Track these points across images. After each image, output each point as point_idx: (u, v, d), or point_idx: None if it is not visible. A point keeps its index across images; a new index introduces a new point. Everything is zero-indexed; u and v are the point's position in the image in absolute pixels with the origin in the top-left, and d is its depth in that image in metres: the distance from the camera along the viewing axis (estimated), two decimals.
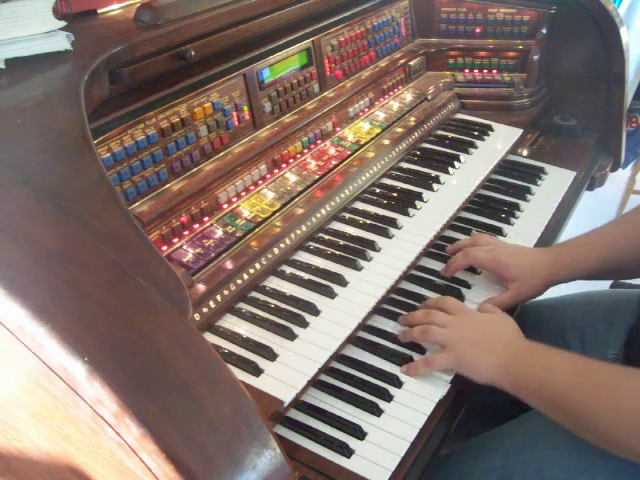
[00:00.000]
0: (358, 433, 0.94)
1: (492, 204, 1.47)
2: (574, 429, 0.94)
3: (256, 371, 0.97)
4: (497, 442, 1.09)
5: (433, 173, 1.47)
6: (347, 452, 0.91)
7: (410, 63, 1.74)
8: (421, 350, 1.08)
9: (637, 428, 0.85)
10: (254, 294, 1.12)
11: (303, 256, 1.21)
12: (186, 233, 1.13)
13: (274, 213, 1.22)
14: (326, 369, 1.04)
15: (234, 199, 1.22)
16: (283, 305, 1.09)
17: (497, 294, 1.20)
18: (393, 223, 1.29)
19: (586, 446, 0.93)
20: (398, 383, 1.02)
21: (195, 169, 1.20)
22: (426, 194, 1.39)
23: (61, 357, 0.59)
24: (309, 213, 1.24)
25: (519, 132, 1.66)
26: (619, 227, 1.22)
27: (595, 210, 2.86)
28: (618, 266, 1.19)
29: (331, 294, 1.12)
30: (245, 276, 1.10)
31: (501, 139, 1.64)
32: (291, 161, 1.35)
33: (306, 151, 1.39)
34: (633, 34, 3.09)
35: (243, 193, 1.24)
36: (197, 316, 1.01)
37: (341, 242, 1.24)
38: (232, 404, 0.64)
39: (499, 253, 1.20)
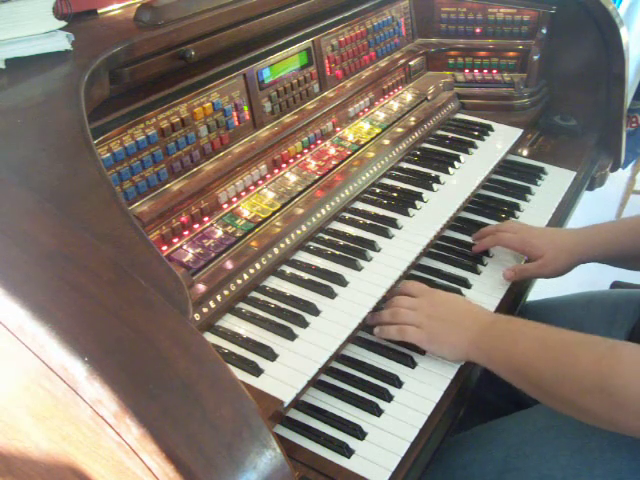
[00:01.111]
0: (358, 433, 0.94)
1: (492, 204, 1.47)
2: (542, 399, 0.95)
3: (256, 371, 0.97)
4: (498, 435, 1.10)
5: (433, 173, 1.47)
6: (347, 452, 0.91)
7: (410, 63, 1.74)
8: (421, 350, 1.08)
9: (598, 393, 0.85)
10: (254, 294, 1.12)
11: (303, 256, 1.21)
12: (186, 233, 1.13)
13: (274, 213, 1.22)
14: (326, 369, 1.04)
15: (234, 199, 1.22)
16: (283, 305, 1.09)
17: (499, 293, 1.21)
18: (393, 223, 1.29)
19: (587, 446, 0.93)
20: (398, 383, 1.02)
21: (195, 169, 1.20)
22: (426, 194, 1.39)
23: (61, 357, 0.59)
24: (309, 213, 1.24)
25: (519, 132, 1.66)
26: None
27: (595, 210, 2.86)
28: (637, 255, 1.22)
29: (331, 294, 1.12)
30: (245, 276, 1.10)
31: (501, 139, 1.64)
32: (291, 161, 1.35)
33: (306, 151, 1.39)
34: (633, 34, 3.09)
35: (243, 193, 1.24)
36: (197, 316, 1.01)
37: (341, 242, 1.24)
38: (232, 404, 0.63)
39: (526, 234, 1.26)
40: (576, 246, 1.23)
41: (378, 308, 1.15)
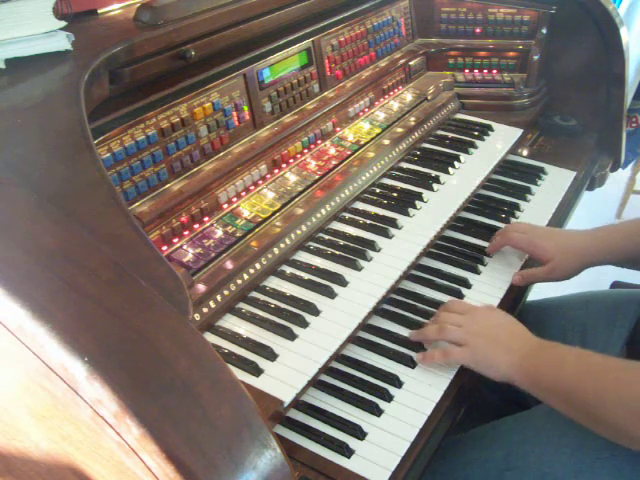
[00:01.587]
0: (358, 433, 0.94)
1: (492, 204, 1.47)
2: (589, 425, 0.94)
3: (256, 371, 0.97)
4: (499, 434, 1.10)
5: (433, 173, 1.47)
6: (347, 452, 0.91)
7: (410, 63, 1.74)
8: (422, 350, 1.08)
9: None
10: (254, 294, 1.12)
11: (303, 256, 1.21)
12: (186, 233, 1.13)
13: (274, 213, 1.22)
14: (326, 369, 1.04)
15: (234, 199, 1.22)
16: (283, 305, 1.09)
17: (499, 292, 1.21)
18: (393, 223, 1.29)
19: (588, 445, 0.93)
20: (398, 383, 1.02)
21: (195, 169, 1.20)
22: (426, 194, 1.39)
23: (61, 357, 0.59)
24: (309, 213, 1.24)
25: (519, 132, 1.66)
26: None
27: (595, 210, 2.86)
28: None
29: (331, 294, 1.12)
30: (245, 276, 1.10)
31: (501, 139, 1.64)
32: (291, 161, 1.35)
33: (306, 151, 1.39)
34: (633, 34, 3.09)
35: (243, 193, 1.24)
36: (197, 316, 1.01)
37: (341, 242, 1.24)
38: (232, 404, 0.63)
39: (534, 235, 1.25)
40: (585, 249, 1.21)
41: (378, 308, 1.15)
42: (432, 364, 1.05)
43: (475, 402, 1.12)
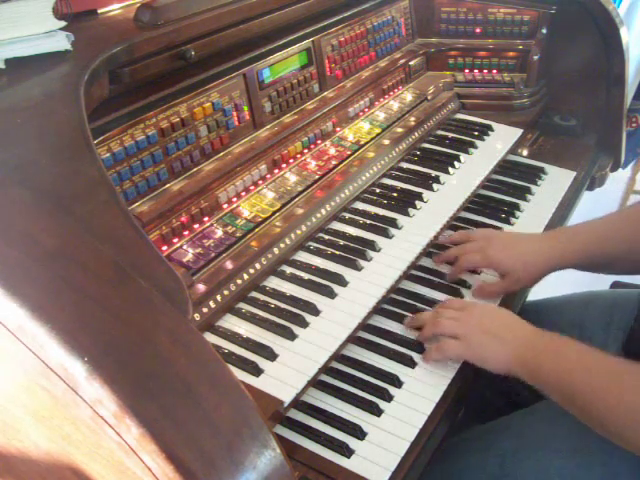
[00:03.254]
0: (358, 433, 0.94)
1: (492, 204, 1.47)
2: (584, 420, 0.93)
3: (256, 371, 0.97)
4: (494, 439, 1.09)
5: (433, 173, 1.47)
6: (347, 452, 0.91)
7: (410, 63, 1.74)
8: (422, 350, 1.08)
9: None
10: (254, 294, 1.12)
11: (303, 256, 1.21)
12: (186, 233, 1.13)
13: (274, 213, 1.22)
14: (326, 369, 1.04)
15: (234, 199, 1.22)
16: (283, 305, 1.09)
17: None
18: (393, 223, 1.29)
19: (584, 449, 0.93)
20: (398, 383, 1.02)
21: (195, 169, 1.20)
22: (426, 194, 1.39)
23: (61, 357, 0.59)
24: (309, 213, 1.24)
25: (519, 132, 1.66)
26: (622, 219, 1.22)
27: (595, 210, 2.86)
28: (615, 259, 1.19)
29: (331, 294, 1.12)
30: (245, 276, 1.10)
31: (501, 139, 1.64)
32: (291, 161, 1.35)
33: (306, 151, 1.39)
34: (633, 34, 3.08)
35: (243, 193, 1.24)
36: (197, 316, 1.01)
37: (341, 242, 1.24)
38: (232, 404, 0.63)
39: (489, 250, 1.19)
40: (547, 257, 1.17)
41: (378, 308, 1.15)
42: (433, 364, 1.05)
43: (475, 402, 1.12)
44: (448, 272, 1.24)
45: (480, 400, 1.29)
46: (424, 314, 1.11)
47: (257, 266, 1.12)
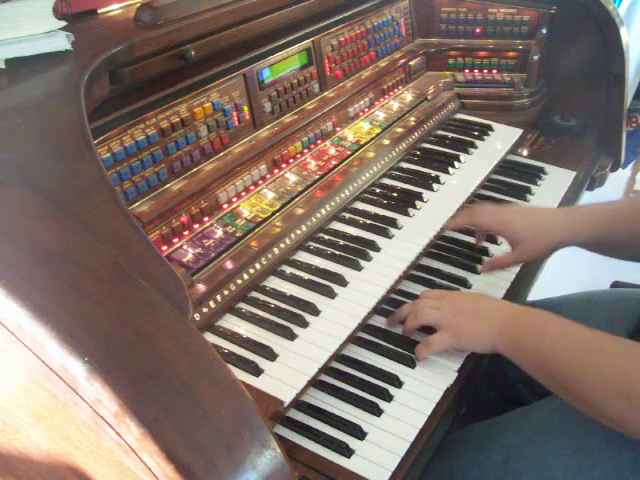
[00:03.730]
0: (358, 433, 0.94)
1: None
2: (565, 396, 0.94)
3: (256, 371, 0.97)
4: (497, 436, 1.09)
5: (433, 173, 1.47)
6: (347, 452, 0.91)
7: (410, 63, 1.74)
8: None
9: (619, 397, 0.85)
10: (254, 294, 1.12)
11: (303, 256, 1.21)
12: (186, 233, 1.13)
13: (274, 213, 1.22)
14: (326, 369, 1.04)
15: (234, 199, 1.22)
16: (283, 305, 1.09)
17: (499, 290, 1.20)
18: (393, 223, 1.29)
19: (587, 446, 0.93)
20: (398, 383, 1.02)
21: (195, 169, 1.20)
22: (426, 194, 1.39)
23: (61, 357, 0.59)
24: (309, 213, 1.24)
25: (519, 132, 1.66)
26: (633, 204, 1.22)
27: None
28: (621, 243, 1.18)
29: (331, 294, 1.12)
30: (245, 276, 1.10)
31: (501, 139, 1.64)
32: (291, 161, 1.35)
33: (306, 151, 1.39)
34: (633, 34, 3.09)
35: (243, 193, 1.24)
36: (197, 316, 1.01)
37: (341, 242, 1.24)
38: (232, 404, 0.63)
39: (504, 214, 1.20)
40: (558, 231, 1.16)
41: (378, 308, 1.15)
42: (433, 363, 1.05)
43: (475, 401, 1.12)
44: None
45: (481, 400, 1.29)
46: (404, 307, 1.11)
47: (257, 266, 1.12)
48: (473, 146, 1.58)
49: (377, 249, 1.23)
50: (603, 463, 0.95)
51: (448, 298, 1.08)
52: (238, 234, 1.15)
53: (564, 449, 1.00)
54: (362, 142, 1.46)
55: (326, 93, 1.50)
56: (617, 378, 0.85)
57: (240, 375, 0.96)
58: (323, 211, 1.27)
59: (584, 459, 0.97)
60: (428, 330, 1.08)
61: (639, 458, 0.93)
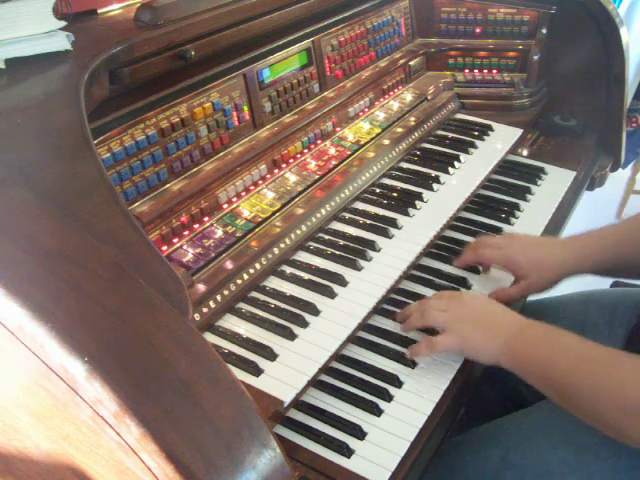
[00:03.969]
0: (358, 433, 0.94)
1: (492, 204, 1.47)
2: (577, 414, 0.93)
3: (256, 371, 0.97)
4: (496, 435, 1.10)
5: (433, 173, 1.47)
6: (347, 452, 0.91)
7: (410, 63, 1.74)
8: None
9: (630, 413, 0.85)
10: (254, 294, 1.12)
11: (303, 256, 1.21)
12: (186, 233, 1.13)
13: (274, 213, 1.22)
14: (326, 369, 1.04)
15: (234, 199, 1.22)
16: (283, 305, 1.09)
17: None
18: (393, 223, 1.29)
19: (584, 443, 0.93)
20: (398, 383, 1.02)
21: (195, 169, 1.20)
22: (426, 194, 1.39)
23: (61, 357, 0.59)
24: (309, 213, 1.24)
25: (519, 132, 1.66)
26: (635, 224, 1.22)
27: (595, 210, 2.86)
28: (629, 264, 1.19)
29: (331, 294, 1.12)
30: (245, 276, 1.10)
31: (501, 139, 1.64)
32: (291, 161, 1.35)
33: (306, 151, 1.39)
34: (633, 34, 3.09)
35: (243, 193, 1.24)
36: (197, 316, 1.01)
37: (341, 242, 1.24)
38: (232, 404, 0.64)
39: (509, 249, 1.20)
40: (564, 262, 1.17)
41: (378, 308, 1.15)
42: (433, 363, 1.05)
43: (475, 401, 1.12)
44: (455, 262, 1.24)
45: (481, 400, 1.29)
46: (412, 306, 1.11)
47: (257, 266, 1.12)
48: (473, 146, 1.58)
49: (377, 249, 1.23)
50: (601, 461, 0.95)
51: (456, 301, 1.07)
52: (238, 234, 1.15)
53: (562, 445, 1.00)
54: (362, 142, 1.46)
55: (326, 93, 1.50)
56: (630, 394, 0.85)
57: (240, 375, 0.96)
58: (323, 211, 1.27)
59: (582, 456, 0.98)
60: (427, 330, 1.08)
61: (636, 457, 0.94)
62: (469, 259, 1.23)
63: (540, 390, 0.96)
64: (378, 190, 1.41)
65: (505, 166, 1.61)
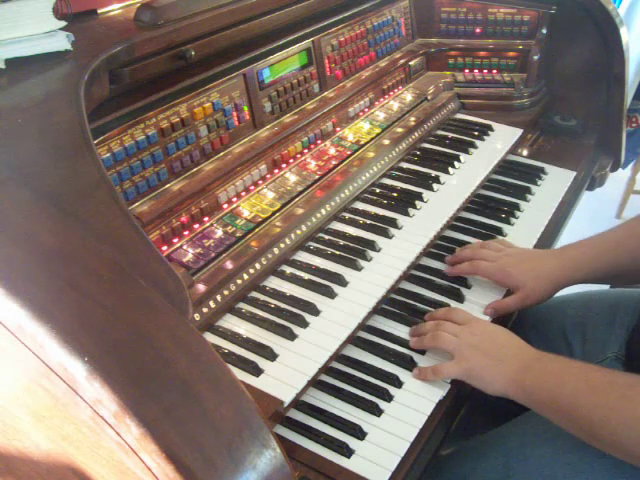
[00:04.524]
0: (358, 433, 0.94)
1: (492, 204, 1.47)
2: (590, 441, 0.92)
3: (256, 371, 0.97)
4: (498, 442, 1.09)
5: (433, 173, 1.47)
6: (347, 452, 0.91)
7: (410, 63, 1.74)
8: (421, 351, 1.08)
9: None
10: (254, 294, 1.12)
11: (303, 256, 1.21)
12: (186, 233, 1.13)
13: (274, 213, 1.22)
14: (326, 369, 1.04)
15: (234, 199, 1.22)
16: (283, 305, 1.09)
17: (497, 294, 1.20)
18: (393, 223, 1.29)
19: (587, 445, 0.93)
20: (398, 383, 1.02)
21: (195, 169, 1.20)
22: (426, 194, 1.39)
23: (61, 357, 0.59)
24: (309, 213, 1.24)
25: (519, 132, 1.66)
26: (626, 232, 1.22)
27: (595, 210, 2.86)
28: (623, 271, 1.19)
29: (331, 294, 1.12)
30: (245, 276, 1.10)
31: (501, 139, 1.64)
32: (291, 161, 1.35)
33: (306, 151, 1.39)
34: (633, 34, 3.09)
35: (243, 193, 1.24)
36: (197, 316, 1.01)
37: (341, 242, 1.24)
38: (232, 404, 0.64)
39: (503, 261, 1.20)
40: (558, 272, 1.17)
41: (378, 308, 1.15)
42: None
43: (476, 402, 1.12)
44: (448, 270, 1.24)
45: (482, 401, 1.28)
46: (428, 324, 1.10)
47: (257, 266, 1.12)
48: (473, 146, 1.58)
49: (377, 249, 1.23)
50: (604, 459, 0.95)
51: (468, 327, 1.06)
52: (238, 234, 1.15)
53: (565, 447, 1.00)
54: (362, 142, 1.46)
55: (326, 93, 1.50)
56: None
57: (240, 375, 0.96)
58: (323, 211, 1.27)
59: (585, 455, 0.98)
60: None
61: None
62: (465, 270, 1.23)
63: (553, 421, 0.96)
64: (378, 190, 1.41)
65: (505, 166, 1.61)
